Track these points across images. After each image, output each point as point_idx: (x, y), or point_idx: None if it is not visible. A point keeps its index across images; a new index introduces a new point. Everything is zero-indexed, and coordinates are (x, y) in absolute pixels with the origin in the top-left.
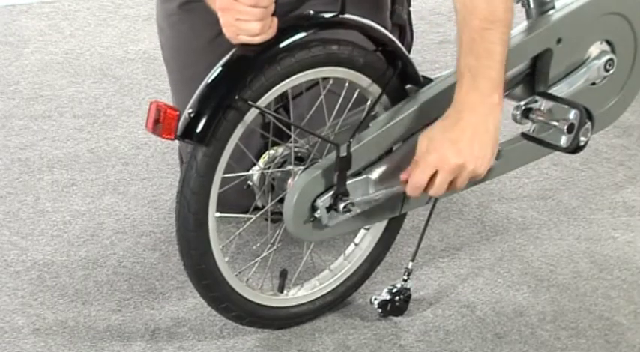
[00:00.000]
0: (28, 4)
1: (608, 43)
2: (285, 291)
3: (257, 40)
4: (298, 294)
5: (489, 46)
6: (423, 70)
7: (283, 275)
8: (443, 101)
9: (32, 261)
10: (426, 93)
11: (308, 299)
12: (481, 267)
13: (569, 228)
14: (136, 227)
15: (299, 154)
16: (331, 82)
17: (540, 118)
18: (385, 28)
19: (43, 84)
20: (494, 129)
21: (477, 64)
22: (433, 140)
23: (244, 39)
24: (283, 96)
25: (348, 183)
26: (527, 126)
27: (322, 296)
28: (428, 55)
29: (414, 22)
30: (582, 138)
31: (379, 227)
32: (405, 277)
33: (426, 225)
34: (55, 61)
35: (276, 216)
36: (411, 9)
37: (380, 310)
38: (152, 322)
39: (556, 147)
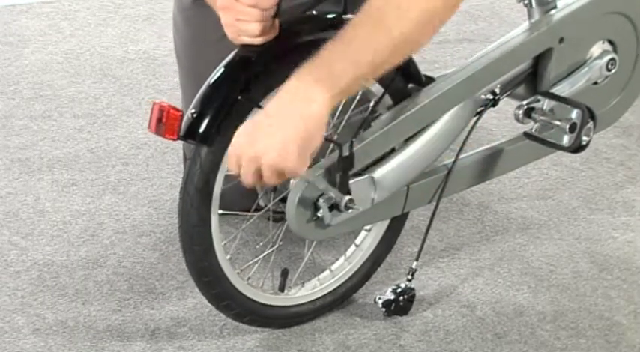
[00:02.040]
0: (28, 4)
1: (610, 42)
2: (285, 291)
3: (258, 41)
4: (299, 294)
5: (365, 46)
6: (423, 69)
7: (284, 274)
8: (445, 100)
9: (32, 261)
10: (428, 93)
11: (308, 299)
12: (481, 267)
13: (569, 228)
14: (136, 227)
15: None
16: None
17: (542, 118)
18: None
19: (43, 84)
20: (306, 128)
21: (334, 52)
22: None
23: (246, 40)
24: None
25: (350, 182)
26: (530, 126)
27: (323, 296)
28: (428, 55)
29: None
30: (584, 138)
31: (380, 227)
32: (410, 277)
33: (430, 224)
34: (55, 61)
35: (278, 215)
36: None
37: (384, 310)
38: (152, 322)
39: (558, 147)
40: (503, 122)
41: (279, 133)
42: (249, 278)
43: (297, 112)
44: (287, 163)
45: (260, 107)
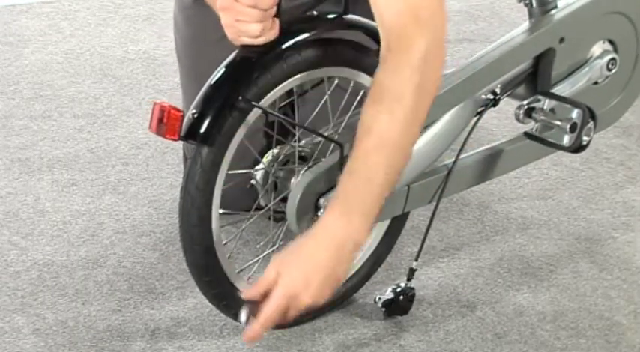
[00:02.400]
0: (28, 4)
1: (611, 42)
2: None
3: (258, 41)
4: None
5: (371, 172)
6: None
7: None
8: (444, 101)
9: (32, 261)
10: None
11: None
12: (481, 267)
13: (569, 228)
14: (136, 227)
15: (302, 153)
16: (336, 81)
17: (543, 118)
18: None
19: (43, 84)
20: (347, 268)
21: (354, 190)
22: (290, 273)
23: (246, 41)
24: (289, 94)
25: None
26: (530, 126)
27: None
28: None
29: None
30: (585, 138)
31: (380, 227)
32: (410, 276)
33: (430, 224)
34: (55, 61)
35: (279, 215)
36: None
37: (384, 309)
38: (152, 322)
39: (559, 147)
40: (503, 122)
41: (333, 284)
42: (249, 277)
43: (346, 259)
44: (321, 301)
45: (260, 107)
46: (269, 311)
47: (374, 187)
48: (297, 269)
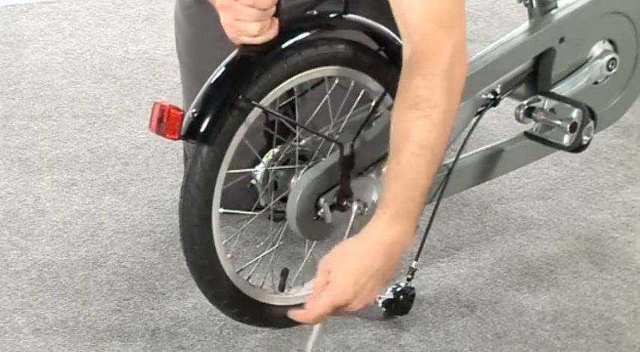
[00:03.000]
0: (28, 4)
1: (611, 42)
2: (285, 290)
3: (257, 40)
4: (299, 294)
5: (415, 175)
6: None
7: (284, 274)
8: None
9: (32, 261)
10: None
11: None
12: (481, 267)
13: (569, 228)
14: (136, 227)
15: (302, 153)
16: (336, 81)
17: (543, 117)
18: None
19: (43, 84)
20: (394, 270)
21: (402, 193)
22: (341, 277)
23: (245, 40)
24: (289, 94)
25: (351, 182)
26: (530, 126)
27: None
28: None
29: None
30: (585, 137)
31: None
32: (409, 276)
33: (429, 224)
34: (55, 61)
35: (279, 215)
36: None
37: (384, 309)
38: (152, 322)
39: (559, 147)
40: (503, 122)
41: (380, 286)
42: (249, 277)
43: (394, 262)
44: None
45: (260, 107)
46: (316, 311)
47: (418, 190)
48: (349, 275)
